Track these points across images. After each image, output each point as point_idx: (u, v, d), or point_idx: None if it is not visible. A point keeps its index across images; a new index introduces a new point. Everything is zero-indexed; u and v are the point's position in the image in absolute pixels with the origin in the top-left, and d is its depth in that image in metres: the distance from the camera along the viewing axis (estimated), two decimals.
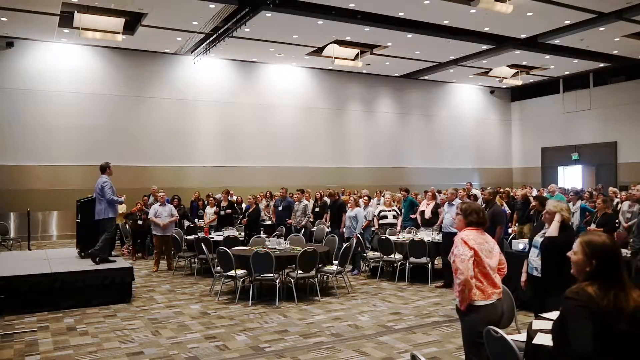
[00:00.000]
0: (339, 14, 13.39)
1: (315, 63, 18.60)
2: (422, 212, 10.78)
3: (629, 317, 2.20)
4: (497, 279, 3.61)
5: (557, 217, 4.46)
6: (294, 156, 19.13)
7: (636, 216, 8.05)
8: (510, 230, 10.32)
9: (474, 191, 14.07)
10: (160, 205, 10.12)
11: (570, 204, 10.22)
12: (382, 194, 12.16)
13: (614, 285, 2.26)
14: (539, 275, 4.47)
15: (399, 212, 10.94)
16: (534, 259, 4.58)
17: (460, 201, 7.72)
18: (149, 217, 10.36)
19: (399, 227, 10.40)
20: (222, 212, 11.87)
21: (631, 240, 6.87)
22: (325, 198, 12.60)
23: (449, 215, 8.08)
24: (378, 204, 11.44)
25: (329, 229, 10.74)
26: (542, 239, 4.50)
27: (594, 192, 12.62)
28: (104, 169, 7.91)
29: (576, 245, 2.44)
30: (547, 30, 15.21)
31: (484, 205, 7.91)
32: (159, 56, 17.07)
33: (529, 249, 4.77)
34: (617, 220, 8.80)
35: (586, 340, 2.18)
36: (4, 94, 15.05)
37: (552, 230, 4.40)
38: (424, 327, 6.13)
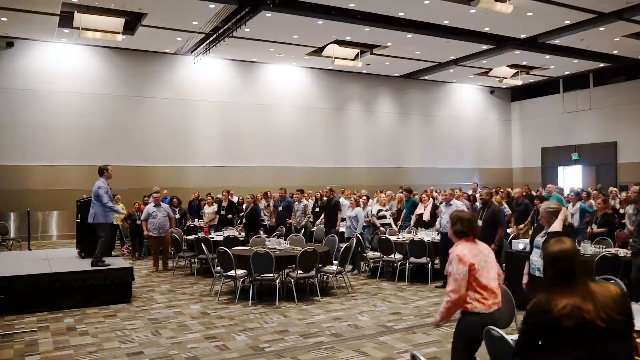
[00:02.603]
0: (339, 14, 13.38)
1: (315, 63, 18.59)
2: (420, 215, 10.73)
3: (568, 316, 2.31)
4: (498, 289, 3.54)
5: (561, 215, 4.45)
6: (294, 156, 19.12)
7: None
8: (509, 231, 10.30)
9: (472, 191, 14.09)
10: (154, 205, 10.04)
11: (570, 205, 10.21)
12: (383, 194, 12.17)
13: (553, 289, 2.42)
14: (541, 275, 4.46)
15: (395, 212, 10.93)
16: (536, 260, 4.59)
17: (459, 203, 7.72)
18: (141, 219, 10.20)
19: (395, 227, 10.40)
20: (223, 212, 11.86)
21: (631, 240, 6.86)
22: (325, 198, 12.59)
23: (447, 215, 8.07)
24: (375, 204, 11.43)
25: (320, 226, 10.73)
26: (543, 239, 4.50)
27: (592, 192, 12.55)
28: (102, 171, 7.71)
29: None
30: (547, 30, 15.20)
31: (481, 206, 7.92)
32: (159, 56, 17.06)
33: (531, 250, 4.77)
34: (616, 221, 8.77)
35: (518, 345, 2.52)
36: (4, 94, 15.04)
37: (556, 226, 4.39)
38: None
